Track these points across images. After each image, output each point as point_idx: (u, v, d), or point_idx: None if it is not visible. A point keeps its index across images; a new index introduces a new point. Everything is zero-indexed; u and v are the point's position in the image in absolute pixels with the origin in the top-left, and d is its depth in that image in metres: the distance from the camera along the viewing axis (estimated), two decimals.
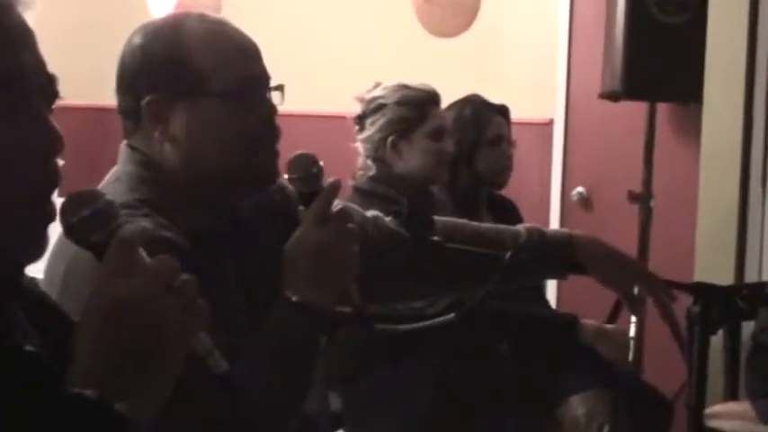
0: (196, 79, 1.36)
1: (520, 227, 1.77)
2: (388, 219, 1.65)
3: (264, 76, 1.42)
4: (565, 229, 1.80)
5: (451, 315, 1.61)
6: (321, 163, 1.44)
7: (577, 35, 4.06)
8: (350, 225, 1.39)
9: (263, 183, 1.43)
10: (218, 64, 1.37)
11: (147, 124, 1.38)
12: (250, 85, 1.39)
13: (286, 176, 1.44)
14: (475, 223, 1.77)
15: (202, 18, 1.41)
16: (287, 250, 1.37)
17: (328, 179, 1.41)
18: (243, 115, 1.37)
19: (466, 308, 1.59)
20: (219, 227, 1.41)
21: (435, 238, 1.55)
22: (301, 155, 1.44)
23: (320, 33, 4.49)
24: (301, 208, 1.43)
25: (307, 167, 1.43)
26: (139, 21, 1.47)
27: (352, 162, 2.62)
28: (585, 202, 4.06)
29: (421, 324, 1.67)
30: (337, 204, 1.41)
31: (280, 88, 1.43)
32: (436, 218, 1.71)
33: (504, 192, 2.93)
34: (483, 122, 2.75)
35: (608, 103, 3.23)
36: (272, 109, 1.41)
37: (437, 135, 2.52)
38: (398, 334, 1.75)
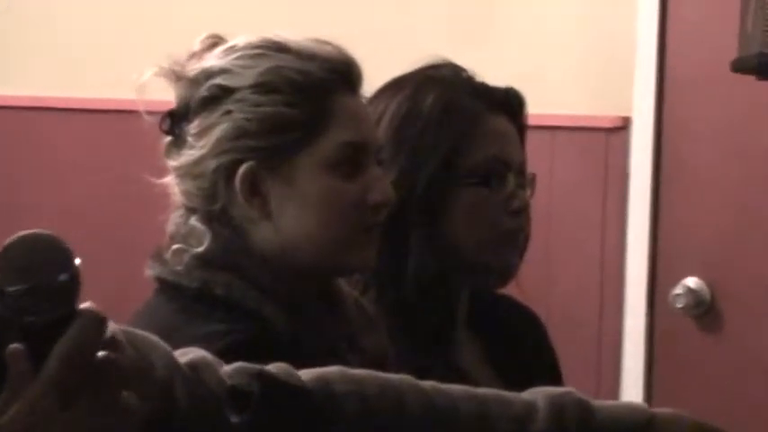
0: None
1: (537, 394, 1.74)
2: (229, 369, 1.63)
3: None
4: (638, 404, 1.80)
5: None
6: (77, 261, 1.39)
7: None
8: (125, 398, 1.39)
9: None
10: None
11: None
12: None
13: None
14: (430, 386, 1.73)
15: None
16: None
17: (85, 303, 1.37)
18: None
19: None
20: None
21: None
22: (30, 239, 1.41)
23: None
24: (16, 347, 1.40)
25: (41, 269, 1.40)
26: None
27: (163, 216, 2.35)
28: (704, 309, 4.06)
29: None
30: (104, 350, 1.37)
31: None
32: (344, 374, 1.68)
33: (511, 289, 2.74)
34: (463, 128, 2.62)
35: (750, 84, 3.17)
36: None
37: (351, 161, 2.33)
38: None
